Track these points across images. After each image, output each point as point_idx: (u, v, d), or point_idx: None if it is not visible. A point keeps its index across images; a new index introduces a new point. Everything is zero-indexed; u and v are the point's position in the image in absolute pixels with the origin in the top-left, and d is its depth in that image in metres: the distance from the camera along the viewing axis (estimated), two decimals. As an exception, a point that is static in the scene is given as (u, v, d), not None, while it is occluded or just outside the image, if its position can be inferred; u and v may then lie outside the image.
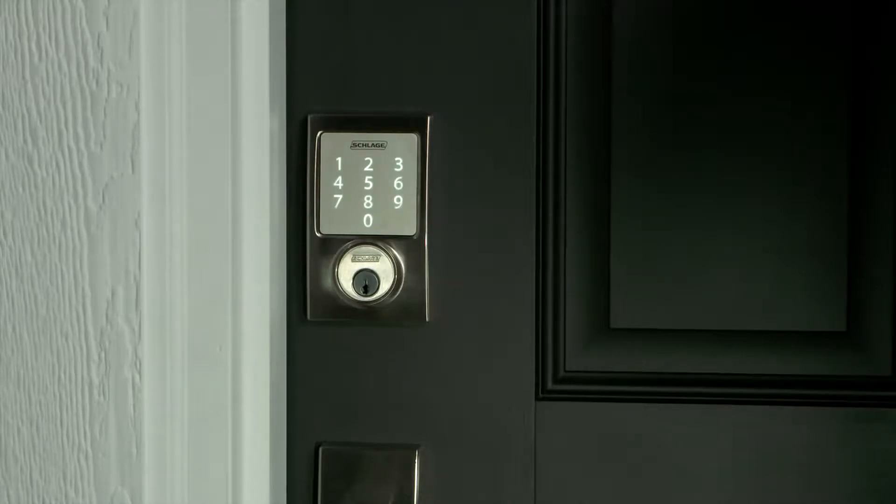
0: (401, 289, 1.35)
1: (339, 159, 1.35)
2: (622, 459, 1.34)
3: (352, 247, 1.35)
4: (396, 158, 1.34)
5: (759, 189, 1.31)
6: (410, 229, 1.34)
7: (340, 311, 1.36)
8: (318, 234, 1.35)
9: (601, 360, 1.35)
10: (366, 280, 1.34)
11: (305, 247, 1.36)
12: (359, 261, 1.35)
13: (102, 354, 1.33)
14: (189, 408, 1.32)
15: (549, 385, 1.35)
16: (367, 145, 1.34)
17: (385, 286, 1.34)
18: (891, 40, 1.30)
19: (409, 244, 1.35)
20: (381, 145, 1.34)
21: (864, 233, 1.31)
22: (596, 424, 1.35)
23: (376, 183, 1.34)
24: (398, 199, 1.34)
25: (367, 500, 1.36)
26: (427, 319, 1.35)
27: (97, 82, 1.32)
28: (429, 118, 1.34)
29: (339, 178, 1.35)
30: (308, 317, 1.36)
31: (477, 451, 1.36)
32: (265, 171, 1.33)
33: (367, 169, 1.34)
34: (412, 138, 1.34)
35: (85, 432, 1.34)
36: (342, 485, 1.37)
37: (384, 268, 1.34)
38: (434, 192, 1.34)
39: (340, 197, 1.35)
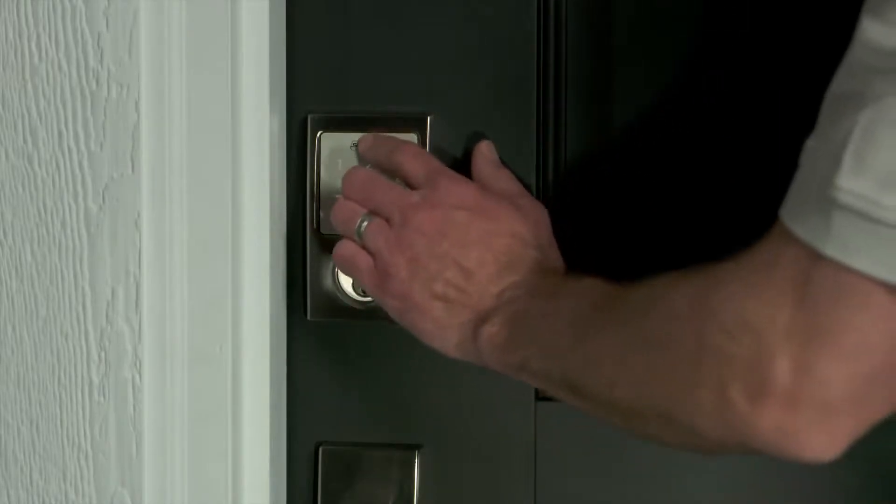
0: (401, 289, 1.35)
1: (339, 159, 1.35)
2: (622, 459, 1.34)
3: (352, 247, 1.35)
4: (396, 158, 1.34)
5: (760, 188, 1.31)
6: (410, 229, 1.34)
7: (340, 311, 1.35)
8: (318, 234, 1.35)
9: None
10: (366, 280, 1.34)
11: (305, 247, 1.36)
12: (359, 261, 1.34)
13: (102, 354, 1.33)
14: (189, 408, 1.32)
15: (549, 385, 1.35)
16: (367, 145, 1.34)
17: (385, 286, 1.34)
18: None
19: (409, 244, 1.34)
20: (381, 145, 1.34)
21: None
22: (596, 424, 1.34)
23: (376, 183, 1.34)
24: (398, 199, 1.34)
25: (367, 500, 1.36)
26: (427, 319, 1.35)
27: (97, 82, 1.32)
28: (429, 118, 1.34)
29: (339, 178, 1.34)
30: (308, 317, 1.36)
31: (477, 451, 1.36)
32: (265, 171, 1.33)
33: (367, 168, 1.34)
34: (412, 138, 1.34)
35: (85, 432, 1.34)
36: (342, 485, 1.36)
37: (384, 268, 1.34)
38: (434, 192, 1.34)
39: (340, 197, 1.35)
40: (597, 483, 1.35)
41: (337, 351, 1.37)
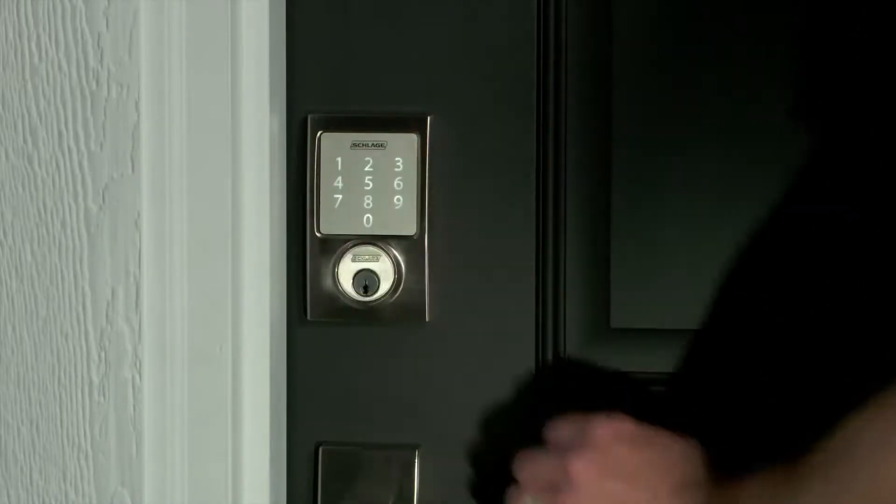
0: (401, 289, 1.35)
1: (339, 159, 1.35)
2: (622, 459, 1.34)
3: (352, 247, 1.35)
4: (396, 158, 1.34)
5: (760, 189, 1.31)
6: (410, 229, 1.34)
7: (340, 311, 1.36)
8: (318, 234, 1.35)
9: (601, 360, 1.35)
10: (366, 280, 1.34)
11: (305, 247, 1.36)
12: (359, 261, 1.35)
13: (102, 354, 1.33)
14: (189, 408, 1.32)
15: (550, 385, 1.35)
16: (367, 145, 1.34)
17: (385, 286, 1.34)
18: (890, 40, 1.30)
19: (409, 244, 1.35)
20: (381, 145, 1.34)
21: (865, 233, 1.30)
22: (596, 424, 1.35)
23: (376, 183, 1.34)
24: (398, 199, 1.34)
25: (367, 500, 1.36)
26: (427, 319, 1.35)
27: (97, 82, 1.32)
28: (429, 118, 1.34)
29: (339, 178, 1.35)
30: (308, 317, 1.36)
31: (477, 451, 1.36)
32: (265, 171, 1.33)
33: (367, 169, 1.34)
34: (412, 138, 1.34)
35: (85, 432, 1.34)
36: (342, 485, 1.36)
37: (384, 268, 1.34)
38: (434, 192, 1.34)
39: (340, 197, 1.35)
40: (597, 483, 1.35)
41: (337, 351, 1.37)
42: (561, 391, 1.35)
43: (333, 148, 1.35)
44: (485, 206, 1.34)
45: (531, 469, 1.19)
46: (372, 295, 1.34)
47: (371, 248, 1.34)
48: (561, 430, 1.19)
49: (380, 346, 1.36)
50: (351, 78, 1.35)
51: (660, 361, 1.34)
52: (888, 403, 0.95)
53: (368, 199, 1.34)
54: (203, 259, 1.32)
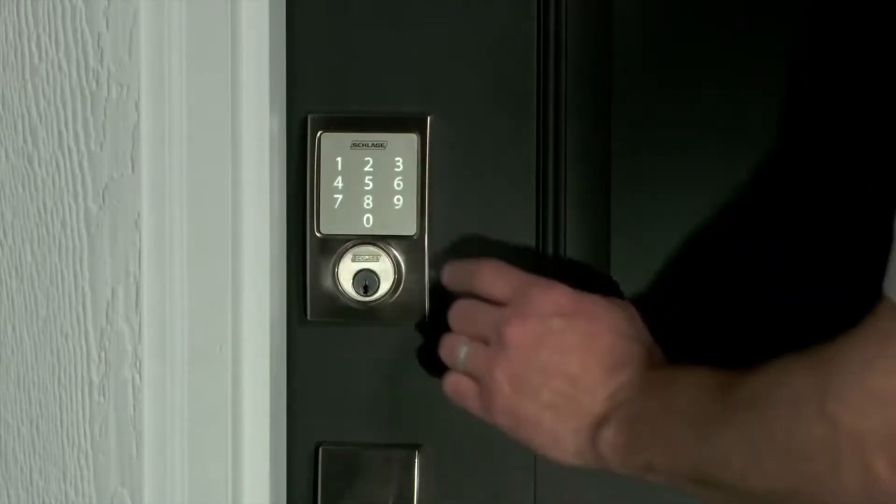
0: (401, 289, 1.35)
1: (339, 159, 1.35)
2: (622, 459, 1.34)
3: (352, 247, 1.35)
4: (396, 158, 1.34)
5: (760, 189, 1.31)
6: (410, 229, 1.34)
7: (340, 311, 1.36)
8: (318, 234, 1.35)
9: (601, 360, 1.35)
10: (366, 280, 1.34)
11: (305, 247, 1.36)
12: (359, 261, 1.35)
13: (102, 354, 1.33)
14: (189, 408, 1.33)
15: (549, 385, 1.35)
16: (367, 145, 1.34)
17: (385, 286, 1.34)
18: (891, 39, 1.30)
19: (409, 244, 1.35)
20: (381, 145, 1.34)
21: (864, 232, 1.31)
22: (596, 424, 1.35)
23: (376, 183, 1.34)
24: (398, 199, 1.34)
25: (367, 500, 1.36)
26: (427, 319, 1.35)
27: (97, 82, 1.32)
28: (429, 118, 1.34)
29: (339, 178, 1.35)
30: (308, 317, 1.36)
31: (477, 451, 1.36)
32: (265, 171, 1.33)
33: (367, 169, 1.34)
34: (412, 138, 1.34)
35: (85, 432, 1.34)
36: (342, 485, 1.36)
37: (384, 268, 1.34)
38: (434, 192, 1.34)
39: (340, 197, 1.35)
40: (597, 483, 1.35)
41: (337, 351, 1.37)
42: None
43: (333, 148, 1.35)
44: (485, 206, 1.34)
45: (467, 318, 1.23)
46: (372, 295, 1.34)
47: (371, 248, 1.35)
48: (499, 285, 1.22)
49: (380, 346, 1.36)
50: (351, 78, 1.35)
51: (660, 361, 1.34)
52: (808, 361, 0.96)
53: (368, 199, 1.34)
54: (203, 259, 1.32)
